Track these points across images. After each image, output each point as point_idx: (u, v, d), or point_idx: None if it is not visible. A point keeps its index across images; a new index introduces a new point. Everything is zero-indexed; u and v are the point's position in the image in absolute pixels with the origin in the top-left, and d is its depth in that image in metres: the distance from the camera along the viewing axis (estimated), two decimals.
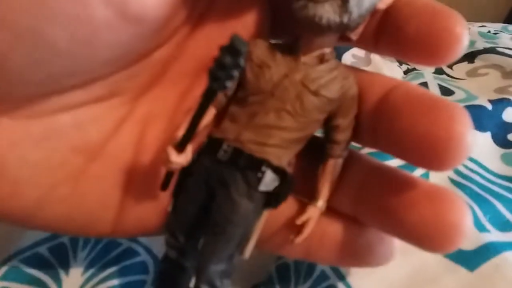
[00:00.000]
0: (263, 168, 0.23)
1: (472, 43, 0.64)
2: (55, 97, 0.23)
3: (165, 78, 0.26)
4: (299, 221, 0.25)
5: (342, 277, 0.32)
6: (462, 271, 0.32)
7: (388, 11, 0.23)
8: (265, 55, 0.23)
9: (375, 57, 0.56)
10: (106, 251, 0.33)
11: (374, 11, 0.23)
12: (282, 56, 0.23)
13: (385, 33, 0.24)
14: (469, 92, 0.51)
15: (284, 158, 0.23)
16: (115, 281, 0.31)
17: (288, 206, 0.26)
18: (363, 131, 0.25)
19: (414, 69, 0.57)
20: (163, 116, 0.26)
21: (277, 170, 0.23)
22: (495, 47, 0.61)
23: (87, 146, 0.25)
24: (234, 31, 0.25)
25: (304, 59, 0.23)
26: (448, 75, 0.57)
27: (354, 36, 0.23)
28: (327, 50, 0.23)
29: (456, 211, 0.22)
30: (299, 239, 0.25)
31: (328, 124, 0.24)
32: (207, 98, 0.20)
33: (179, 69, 0.26)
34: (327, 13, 0.21)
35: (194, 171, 0.24)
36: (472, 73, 0.57)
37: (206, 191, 0.24)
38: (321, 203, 0.25)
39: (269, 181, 0.23)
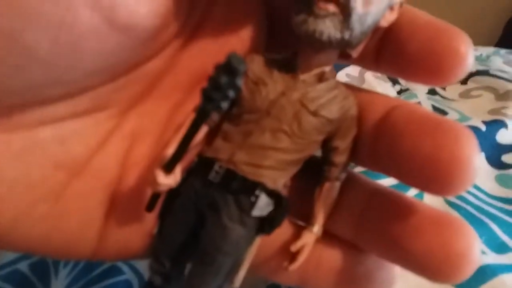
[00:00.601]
0: (257, 192, 0.21)
1: None
2: (36, 108, 0.21)
3: (156, 92, 0.25)
4: (293, 248, 0.23)
5: None
6: None
7: (390, 28, 0.22)
8: (261, 71, 0.22)
9: (369, 77, 0.56)
10: (89, 269, 0.31)
11: (376, 29, 0.22)
12: (280, 73, 0.22)
13: (386, 51, 0.23)
14: (462, 113, 0.51)
15: (280, 180, 0.22)
16: None
17: (283, 230, 0.24)
18: (362, 151, 0.23)
19: (408, 89, 0.57)
20: (152, 132, 0.25)
21: (272, 194, 0.22)
22: (488, 70, 0.61)
23: (70, 162, 0.23)
24: (230, 44, 0.24)
25: (302, 76, 0.22)
26: (441, 96, 0.57)
27: (354, 53, 0.22)
28: (327, 68, 0.22)
29: (464, 238, 0.21)
30: (294, 267, 0.23)
31: (326, 146, 0.23)
32: (200, 119, 0.18)
33: (171, 82, 0.25)
34: (328, 28, 0.20)
35: (182, 192, 0.22)
36: (465, 95, 0.57)
37: (195, 214, 0.22)
38: (317, 228, 0.24)
39: (263, 205, 0.22)
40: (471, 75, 0.61)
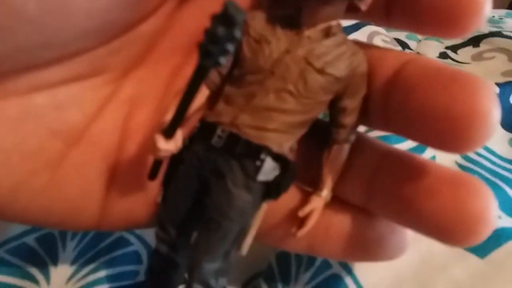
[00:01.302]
0: (262, 156, 0.20)
1: None
2: (29, 74, 0.20)
3: (154, 54, 0.24)
4: (302, 213, 0.23)
5: (345, 266, 0.30)
6: (472, 258, 0.30)
7: None
8: (263, 29, 0.21)
9: (378, 42, 0.54)
10: (96, 241, 0.31)
11: None
12: (283, 30, 0.21)
13: (397, 3, 0.21)
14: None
15: (285, 144, 0.21)
16: (105, 272, 0.29)
17: (290, 196, 0.23)
18: (372, 111, 0.22)
19: (418, 53, 0.55)
20: (152, 97, 0.24)
21: (278, 158, 0.21)
22: (500, 31, 0.59)
23: (67, 130, 0.22)
24: None
25: (307, 32, 0.21)
26: (453, 59, 0.55)
27: (363, 5, 0.21)
28: (334, 22, 0.21)
29: (480, 199, 0.20)
30: (302, 232, 0.23)
31: (334, 106, 0.22)
32: (198, 77, 0.17)
33: (169, 44, 0.24)
34: None
35: (185, 159, 0.22)
36: (477, 57, 0.55)
37: (198, 181, 0.21)
38: (325, 192, 0.23)
39: (268, 169, 0.21)
40: (484, 36, 0.59)
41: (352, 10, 0.21)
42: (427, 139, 0.20)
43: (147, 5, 0.21)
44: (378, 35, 0.55)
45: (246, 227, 0.22)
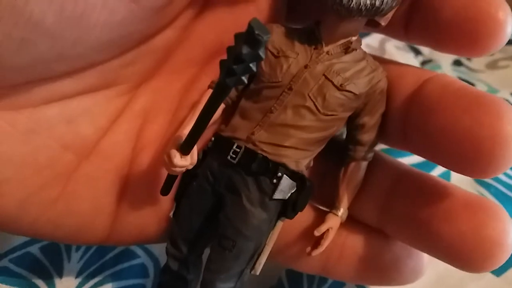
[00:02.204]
0: (279, 173, 0.20)
1: None
2: (42, 86, 0.20)
3: (168, 66, 0.23)
4: (317, 232, 0.22)
5: (360, 283, 0.30)
6: (488, 276, 0.30)
7: None
8: (282, 43, 0.21)
9: (390, 47, 0.53)
10: (102, 252, 0.30)
11: None
12: (302, 45, 0.21)
13: (416, 18, 0.21)
14: (490, 85, 0.49)
15: (302, 161, 0.21)
16: (111, 285, 0.29)
17: (305, 214, 0.23)
18: (390, 128, 0.22)
19: (431, 60, 0.54)
20: (165, 110, 0.23)
21: (295, 176, 0.20)
22: None
23: (78, 143, 0.22)
24: (247, 14, 0.22)
25: (327, 48, 0.20)
26: (467, 67, 0.54)
27: (383, 21, 0.20)
28: (353, 37, 0.20)
29: (498, 223, 0.19)
30: (317, 252, 0.22)
31: (352, 123, 0.22)
32: (219, 95, 0.16)
33: (184, 56, 0.23)
34: None
35: (199, 174, 0.21)
36: (492, 65, 0.54)
37: (212, 197, 0.21)
38: (342, 211, 0.22)
39: (285, 187, 0.20)
40: None
41: (372, 25, 0.21)
42: (447, 162, 0.19)
43: (163, 17, 0.21)
44: (390, 41, 0.54)
45: (261, 245, 0.21)
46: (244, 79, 0.14)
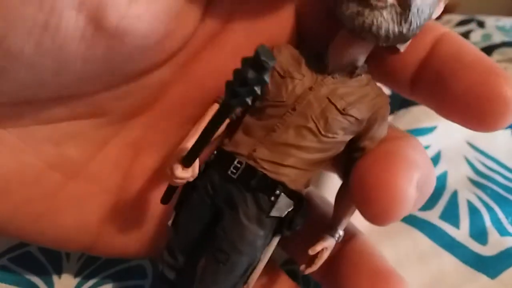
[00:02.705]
0: (277, 191, 0.20)
1: (489, 36, 0.62)
2: (30, 108, 0.20)
3: (164, 104, 0.23)
4: (312, 251, 0.22)
5: None
6: (482, 278, 0.30)
7: (431, 55, 0.21)
8: (289, 64, 0.21)
9: None
10: None
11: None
12: (308, 66, 0.21)
13: (424, 81, 0.21)
14: None
15: (301, 181, 0.21)
16: (110, 286, 0.29)
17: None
18: (402, 77, 0.22)
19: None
20: (158, 145, 0.24)
21: (292, 194, 0.21)
22: None
23: (65, 164, 0.23)
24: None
25: (332, 71, 0.20)
26: None
27: (403, 48, 0.20)
28: (360, 63, 0.21)
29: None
30: (310, 270, 0.22)
31: (353, 145, 0.22)
32: (223, 114, 0.17)
33: (181, 95, 0.23)
34: (386, 22, 0.18)
35: (199, 185, 0.21)
36: None
37: (211, 209, 0.21)
38: (338, 232, 0.22)
39: (282, 205, 0.20)
40: (496, 47, 0.58)
41: (390, 50, 0.21)
42: (453, 115, 0.20)
43: (154, 56, 0.21)
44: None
45: (255, 261, 0.21)
46: (248, 100, 0.15)
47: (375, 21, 0.18)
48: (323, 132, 0.20)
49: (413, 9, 0.18)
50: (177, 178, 0.20)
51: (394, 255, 0.31)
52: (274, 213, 0.20)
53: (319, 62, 0.21)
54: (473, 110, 0.19)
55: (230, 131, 0.22)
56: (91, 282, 0.29)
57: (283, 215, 0.21)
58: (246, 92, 0.14)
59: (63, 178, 0.22)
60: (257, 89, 0.14)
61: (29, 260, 0.30)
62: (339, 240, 0.23)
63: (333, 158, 0.21)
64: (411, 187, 0.19)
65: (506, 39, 0.60)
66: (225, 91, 0.15)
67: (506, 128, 0.44)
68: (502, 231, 0.33)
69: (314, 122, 0.20)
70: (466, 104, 0.19)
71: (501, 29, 0.65)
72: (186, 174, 0.20)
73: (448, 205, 0.35)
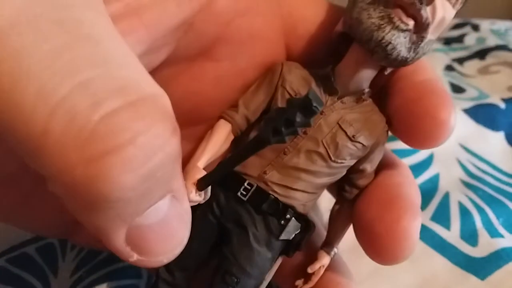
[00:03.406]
0: (288, 216, 0.20)
1: (483, 40, 0.63)
2: None
3: None
4: (311, 269, 0.22)
5: None
6: (472, 279, 0.30)
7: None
8: (300, 85, 0.21)
9: None
10: (96, 252, 0.31)
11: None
12: (318, 89, 0.21)
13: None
14: (481, 90, 0.50)
15: (309, 204, 0.21)
16: (105, 285, 0.29)
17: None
18: None
19: None
20: None
21: (301, 218, 0.21)
22: (507, 44, 0.59)
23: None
24: (229, 88, 0.22)
25: (342, 96, 0.21)
26: (458, 72, 0.55)
27: (388, 72, 0.21)
28: (366, 88, 0.21)
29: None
30: (307, 287, 0.22)
31: (352, 167, 0.22)
32: (256, 147, 0.16)
33: None
34: (401, 45, 0.19)
35: (203, 204, 0.20)
36: (483, 71, 0.55)
37: (217, 230, 0.21)
38: (333, 249, 0.23)
39: (292, 229, 0.21)
40: (490, 50, 0.59)
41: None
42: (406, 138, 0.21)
43: None
44: None
45: (262, 282, 0.21)
46: (287, 139, 0.15)
47: (393, 40, 0.18)
48: (333, 158, 0.20)
49: (424, 41, 0.19)
50: (190, 201, 0.19)
51: None
52: (283, 236, 0.20)
53: (328, 85, 0.21)
54: (408, 127, 0.20)
55: (234, 149, 0.22)
56: (86, 281, 0.29)
57: (291, 238, 0.21)
58: (288, 132, 0.14)
59: (37, 177, 0.22)
60: (299, 130, 0.15)
61: (26, 261, 0.30)
62: (334, 257, 0.23)
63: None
64: (418, 232, 0.20)
65: (500, 42, 0.61)
66: (264, 127, 0.15)
67: (499, 130, 0.44)
68: (493, 233, 0.33)
69: (325, 147, 0.20)
70: (402, 122, 0.21)
71: (495, 32, 0.65)
72: (199, 198, 0.19)
73: (439, 206, 0.36)
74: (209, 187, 0.19)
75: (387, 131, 0.22)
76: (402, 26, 0.18)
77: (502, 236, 0.33)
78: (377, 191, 0.21)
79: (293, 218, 0.20)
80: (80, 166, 0.12)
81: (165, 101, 0.14)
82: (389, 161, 0.23)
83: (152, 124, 0.13)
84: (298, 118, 0.14)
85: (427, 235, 0.33)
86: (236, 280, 0.20)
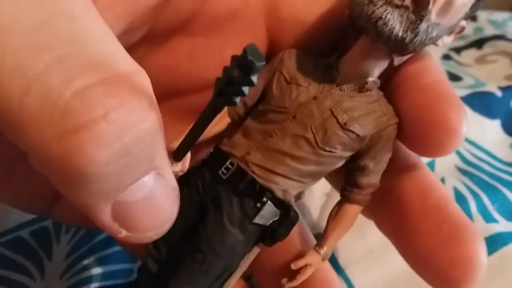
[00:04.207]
0: (264, 199, 0.20)
1: (480, 29, 0.62)
2: None
3: None
4: (294, 266, 0.21)
5: (341, 270, 0.30)
6: None
7: (396, 70, 0.21)
8: (297, 71, 0.20)
9: None
10: (90, 236, 0.31)
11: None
12: (316, 75, 0.20)
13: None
14: (478, 79, 0.50)
15: (291, 191, 0.20)
16: (99, 269, 0.29)
17: (290, 244, 0.23)
18: None
19: None
20: None
21: (280, 204, 0.20)
22: (504, 34, 0.59)
23: None
24: (206, 62, 0.22)
25: (341, 83, 0.20)
26: (456, 61, 0.55)
27: (397, 62, 0.20)
28: (371, 78, 0.20)
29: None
30: (290, 285, 0.21)
31: (353, 163, 0.21)
32: (210, 112, 0.16)
33: None
34: (394, 22, 0.17)
35: (191, 182, 0.21)
36: (480, 60, 0.55)
37: (199, 208, 0.21)
38: (325, 249, 0.21)
39: (267, 214, 0.20)
40: (488, 39, 0.58)
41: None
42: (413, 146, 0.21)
43: None
44: None
45: (232, 266, 0.21)
46: (236, 100, 0.14)
47: (384, 15, 0.17)
48: (320, 144, 0.19)
49: (424, 23, 0.18)
50: None
51: (380, 239, 0.31)
52: (258, 220, 0.20)
53: (328, 72, 0.20)
54: (418, 134, 0.19)
55: (232, 131, 0.22)
56: (80, 265, 0.29)
57: (268, 224, 0.20)
58: (232, 92, 0.14)
59: (19, 152, 0.22)
60: (245, 90, 0.14)
61: (21, 245, 0.31)
62: (325, 259, 0.22)
63: (332, 172, 0.21)
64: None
65: (498, 32, 0.61)
66: (213, 89, 0.14)
67: (495, 118, 0.44)
68: (488, 218, 0.33)
69: (313, 133, 0.19)
70: (410, 124, 0.20)
71: (493, 22, 0.65)
72: (175, 168, 0.19)
73: None
74: (187, 159, 0.19)
75: (396, 126, 0.20)
76: (397, 1, 0.17)
77: (497, 221, 0.33)
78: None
79: (269, 202, 0.20)
80: (55, 141, 0.12)
81: (142, 78, 0.14)
82: (409, 159, 0.22)
83: (126, 101, 0.13)
84: (236, 74, 0.13)
85: None
86: (203, 257, 0.20)
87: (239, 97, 0.14)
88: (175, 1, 0.20)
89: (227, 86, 0.14)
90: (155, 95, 0.16)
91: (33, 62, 0.12)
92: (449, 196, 0.21)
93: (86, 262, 0.30)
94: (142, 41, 0.21)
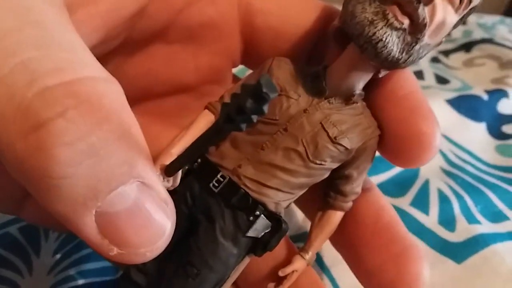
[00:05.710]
0: (257, 212, 0.20)
1: (469, 33, 0.63)
2: None
3: None
4: (282, 273, 0.22)
5: (326, 270, 0.31)
6: (449, 263, 0.31)
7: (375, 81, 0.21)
8: (287, 82, 0.20)
9: None
10: None
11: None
12: (305, 87, 0.20)
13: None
14: (465, 82, 0.50)
15: (282, 203, 0.20)
16: (87, 265, 0.29)
17: (276, 251, 0.22)
18: None
19: None
20: None
21: (271, 216, 0.20)
22: (492, 38, 0.60)
23: None
24: (181, 66, 0.23)
25: (329, 96, 0.20)
26: (444, 64, 0.56)
27: (382, 75, 0.20)
28: (357, 89, 0.20)
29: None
30: None
31: (337, 172, 0.21)
32: (214, 136, 0.16)
33: None
34: (393, 44, 0.18)
35: (178, 192, 0.20)
36: (468, 63, 0.56)
37: (188, 220, 0.20)
38: (310, 255, 0.22)
39: (260, 226, 0.20)
40: (476, 43, 0.59)
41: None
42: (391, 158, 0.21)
43: None
44: None
45: (224, 278, 0.21)
46: (243, 127, 0.14)
47: (384, 37, 0.18)
48: (311, 158, 0.20)
49: (418, 45, 0.18)
50: None
51: None
52: (251, 233, 0.20)
53: (317, 84, 0.20)
54: (394, 146, 0.20)
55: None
56: (68, 261, 0.29)
57: (260, 236, 0.20)
58: (241, 120, 0.14)
59: None
60: (254, 118, 0.14)
61: (9, 241, 0.31)
62: (310, 264, 0.22)
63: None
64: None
65: (486, 35, 0.61)
66: (220, 113, 0.14)
67: (481, 121, 0.45)
68: (471, 219, 0.34)
69: (304, 146, 0.20)
70: (388, 137, 0.20)
71: (482, 26, 0.66)
72: (166, 184, 0.19)
73: (419, 193, 0.36)
74: (179, 175, 0.19)
75: (377, 138, 0.21)
76: (396, 24, 0.18)
77: (479, 222, 0.34)
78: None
79: (262, 215, 0.20)
80: (19, 141, 0.13)
81: (109, 85, 0.15)
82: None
83: (86, 101, 0.13)
84: (249, 105, 0.13)
85: (405, 220, 0.32)
86: (196, 271, 0.20)
87: (246, 124, 0.14)
88: (150, 11, 0.20)
89: (237, 115, 0.14)
90: (132, 98, 0.16)
91: None
92: (398, 219, 0.23)
93: (73, 258, 0.30)
94: (119, 48, 0.21)
